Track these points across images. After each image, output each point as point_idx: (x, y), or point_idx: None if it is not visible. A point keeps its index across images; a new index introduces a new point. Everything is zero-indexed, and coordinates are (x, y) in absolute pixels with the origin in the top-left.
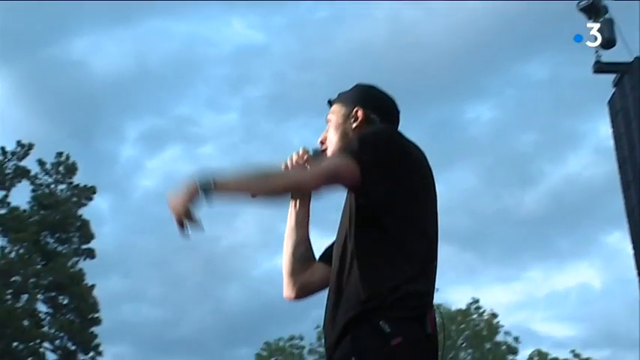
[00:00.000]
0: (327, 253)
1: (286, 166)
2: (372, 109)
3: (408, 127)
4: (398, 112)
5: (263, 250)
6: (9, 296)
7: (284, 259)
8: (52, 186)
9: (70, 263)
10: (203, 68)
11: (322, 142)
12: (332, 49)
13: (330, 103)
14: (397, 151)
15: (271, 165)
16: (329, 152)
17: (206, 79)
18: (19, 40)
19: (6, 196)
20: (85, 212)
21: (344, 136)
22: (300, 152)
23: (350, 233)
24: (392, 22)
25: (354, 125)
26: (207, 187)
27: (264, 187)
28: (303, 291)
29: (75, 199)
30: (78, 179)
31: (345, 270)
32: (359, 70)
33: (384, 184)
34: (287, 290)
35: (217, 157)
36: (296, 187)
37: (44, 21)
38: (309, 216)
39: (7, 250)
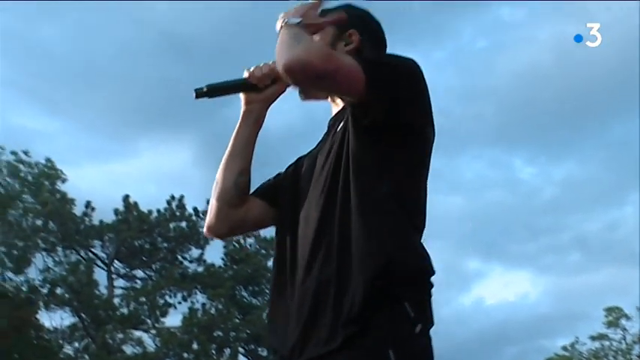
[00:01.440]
0: (265, 190)
1: (250, 73)
2: (369, 37)
3: (585, 149)
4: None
5: (449, 289)
6: (213, 351)
7: (220, 186)
8: (241, 240)
9: (264, 315)
10: None
11: None
12: (496, 78)
13: None
14: (427, 93)
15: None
16: None
17: None
18: (197, 105)
19: (202, 254)
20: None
21: None
22: (271, 64)
23: (345, 182)
24: (557, 41)
25: (347, 49)
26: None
27: (290, 42)
28: (234, 229)
29: (263, 251)
30: (263, 232)
31: (334, 231)
32: (525, 96)
33: (402, 114)
34: (216, 223)
35: None
36: (304, 60)
37: None
38: (255, 141)
39: (207, 307)
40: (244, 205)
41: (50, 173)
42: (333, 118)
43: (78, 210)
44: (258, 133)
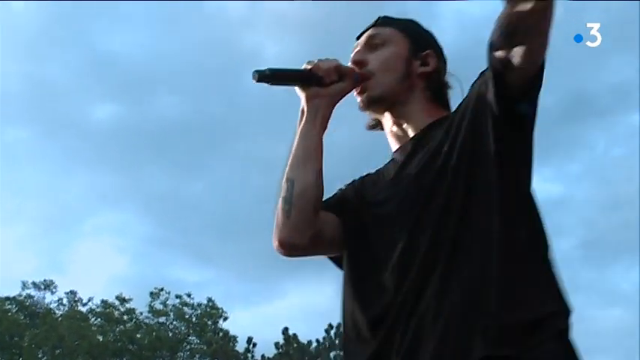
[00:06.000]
0: (339, 205)
1: (315, 65)
2: (443, 61)
3: None
4: None
5: None
6: None
7: (300, 186)
8: None
9: None
10: None
11: (359, 63)
12: (638, 184)
13: (382, 22)
14: None
15: None
16: (378, 81)
17: None
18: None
19: None
20: None
21: (406, 76)
22: (336, 62)
23: (485, 207)
24: None
25: (421, 71)
26: None
27: None
28: (314, 243)
29: None
30: None
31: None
32: None
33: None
34: (296, 231)
35: None
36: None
37: None
38: (322, 147)
39: None
40: (320, 217)
41: (212, 312)
42: (417, 137)
43: (240, 346)
44: (322, 136)
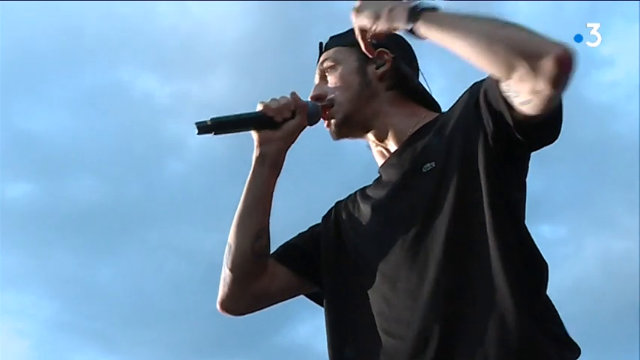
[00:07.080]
0: (290, 255)
1: (265, 105)
2: (401, 54)
3: None
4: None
5: None
6: None
7: (234, 253)
8: None
9: None
10: None
11: (317, 99)
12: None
13: (327, 45)
14: None
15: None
16: (339, 103)
17: None
18: (249, 336)
19: None
20: None
21: (364, 85)
22: (290, 97)
23: (483, 221)
24: (603, 257)
25: (380, 71)
26: (414, 12)
27: (488, 32)
28: (257, 304)
29: None
30: None
31: (470, 288)
32: (578, 311)
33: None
34: (233, 299)
35: None
36: (528, 53)
37: (268, 315)
38: (273, 193)
39: None
40: (266, 273)
41: None
42: (397, 155)
43: None
44: (275, 182)
